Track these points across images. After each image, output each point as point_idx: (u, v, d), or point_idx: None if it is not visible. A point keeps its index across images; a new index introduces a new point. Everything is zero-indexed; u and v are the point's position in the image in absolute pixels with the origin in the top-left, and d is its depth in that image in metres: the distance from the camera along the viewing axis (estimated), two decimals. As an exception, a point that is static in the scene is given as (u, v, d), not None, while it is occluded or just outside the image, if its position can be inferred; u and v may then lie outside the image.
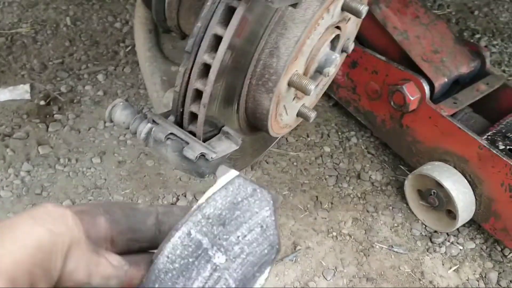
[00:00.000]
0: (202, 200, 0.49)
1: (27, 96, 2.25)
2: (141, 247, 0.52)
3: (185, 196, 1.91)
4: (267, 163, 2.04)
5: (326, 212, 1.90)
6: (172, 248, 0.47)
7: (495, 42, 2.59)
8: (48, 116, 2.18)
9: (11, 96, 2.24)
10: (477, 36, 2.61)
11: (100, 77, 2.34)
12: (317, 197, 1.94)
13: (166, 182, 1.96)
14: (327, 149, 2.11)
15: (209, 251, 0.48)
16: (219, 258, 0.48)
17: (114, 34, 2.55)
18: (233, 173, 0.51)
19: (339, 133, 2.18)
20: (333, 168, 2.05)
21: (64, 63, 2.41)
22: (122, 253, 0.49)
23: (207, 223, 0.48)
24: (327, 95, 2.20)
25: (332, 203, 1.93)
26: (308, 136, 2.16)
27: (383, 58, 1.91)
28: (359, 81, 2.03)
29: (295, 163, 2.06)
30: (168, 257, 0.47)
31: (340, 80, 2.09)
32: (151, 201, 1.91)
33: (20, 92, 2.25)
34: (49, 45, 2.49)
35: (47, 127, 2.13)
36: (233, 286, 0.47)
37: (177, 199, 1.91)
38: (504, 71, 2.44)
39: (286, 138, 2.13)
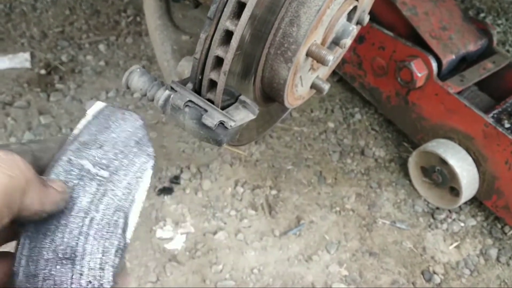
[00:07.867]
0: (76, 131, 0.53)
1: (28, 65, 2.21)
2: None
3: (188, 168, 1.91)
4: (271, 137, 2.04)
5: (330, 187, 1.90)
6: (56, 176, 0.50)
7: (499, 22, 2.58)
8: (49, 85, 2.15)
9: (11, 64, 2.20)
10: (482, 15, 2.60)
11: (101, 47, 2.31)
12: (321, 172, 1.95)
13: (169, 155, 1.95)
14: (331, 124, 2.11)
15: (92, 170, 0.51)
16: (102, 173, 0.51)
17: (115, 4, 2.50)
18: (101, 104, 0.55)
19: (343, 109, 2.17)
20: (337, 144, 2.05)
21: (65, 32, 2.36)
22: None
23: (85, 148, 0.52)
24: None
25: (335, 179, 1.93)
26: (312, 111, 2.15)
27: (390, 33, 1.90)
28: (366, 56, 2.01)
29: (299, 138, 2.05)
30: None
31: (345, 55, 2.08)
32: (154, 173, 1.90)
33: (20, 60, 2.21)
34: (49, 13, 2.43)
35: (48, 96, 2.10)
36: (120, 193, 0.51)
37: (181, 171, 1.90)
38: (508, 50, 2.43)
39: (290, 113, 2.12)
